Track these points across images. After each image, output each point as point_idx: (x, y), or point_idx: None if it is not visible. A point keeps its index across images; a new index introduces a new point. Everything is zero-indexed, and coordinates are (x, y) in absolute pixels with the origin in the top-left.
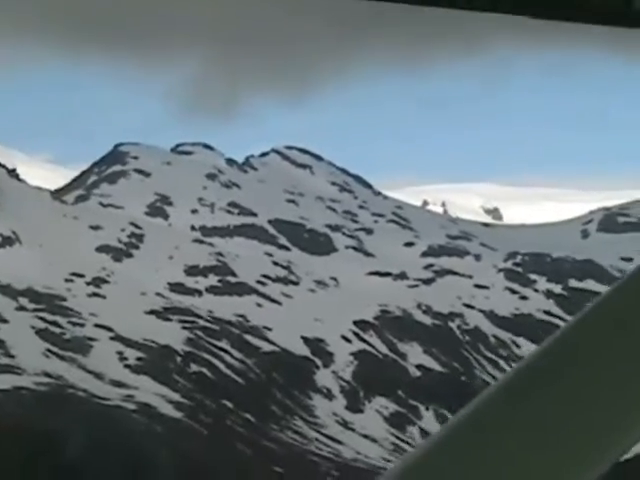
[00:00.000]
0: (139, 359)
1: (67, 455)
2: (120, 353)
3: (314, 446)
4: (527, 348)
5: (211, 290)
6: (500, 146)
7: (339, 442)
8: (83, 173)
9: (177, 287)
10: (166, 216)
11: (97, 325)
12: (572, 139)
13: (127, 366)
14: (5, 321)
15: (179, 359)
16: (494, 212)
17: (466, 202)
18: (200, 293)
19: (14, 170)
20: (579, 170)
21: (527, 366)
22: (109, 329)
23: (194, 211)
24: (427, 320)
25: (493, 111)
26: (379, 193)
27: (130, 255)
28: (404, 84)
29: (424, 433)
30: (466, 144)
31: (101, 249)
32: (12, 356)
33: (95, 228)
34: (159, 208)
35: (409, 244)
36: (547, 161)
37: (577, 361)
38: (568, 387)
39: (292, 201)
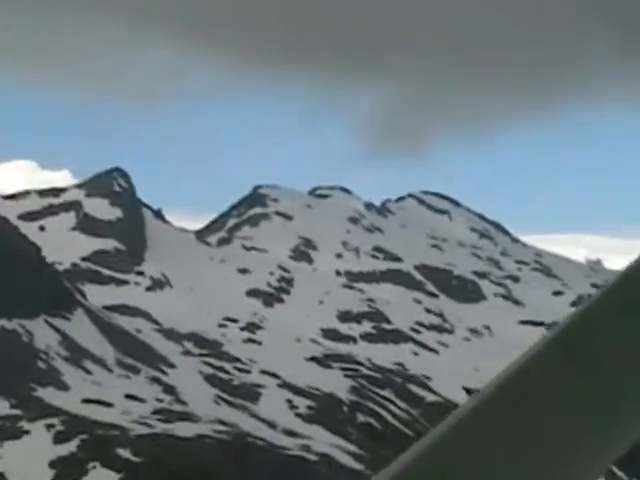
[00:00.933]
0: (309, 408)
1: None
2: (289, 401)
3: None
4: None
5: (366, 337)
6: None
7: None
8: (222, 215)
9: (331, 333)
10: (310, 260)
11: (263, 372)
12: None
13: (298, 415)
14: (173, 366)
15: (346, 408)
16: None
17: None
18: (355, 340)
19: (159, 211)
20: None
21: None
22: (275, 376)
23: (339, 255)
24: None
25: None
26: (517, 240)
27: (281, 300)
28: None
29: None
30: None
31: (251, 293)
32: (185, 403)
33: (243, 272)
34: (303, 252)
35: (558, 293)
36: None
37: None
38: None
39: (436, 246)
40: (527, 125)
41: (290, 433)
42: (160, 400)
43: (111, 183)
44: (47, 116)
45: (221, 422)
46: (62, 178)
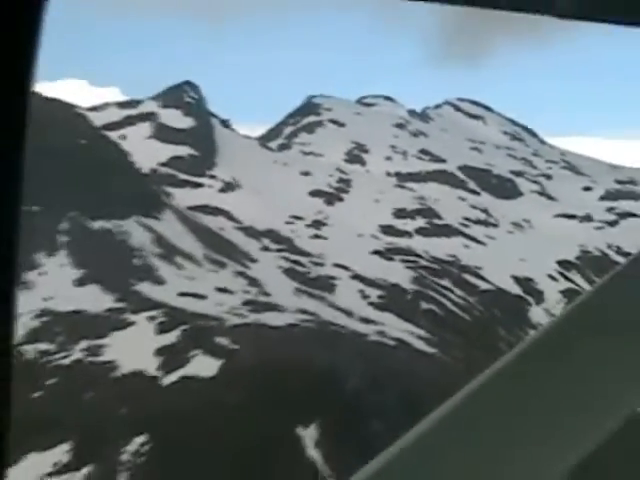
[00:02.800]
0: (379, 297)
1: (349, 381)
2: (361, 291)
3: None
4: None
5: (420, 232)
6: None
7: None
8: (279, 124)
9: (389, 229)
10: (364, 163)
11: (336, 265)
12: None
13: (371, 304)
14: (254, 260)
15: (409, 297)
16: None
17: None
18: (410, 235)
19: (227, 120)
20: None
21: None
22: (346, 268)
23: (388, 158)
24: (622, 260)
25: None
26: (544, 142)
27: (341, 199)
28: None
29: None
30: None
31: (314, 194)
32: (269, 294)
33: (305, 174)
34: (357, 155)
35: (587, 188)
36: None
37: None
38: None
39: (475, 149)
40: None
41: (366, 320)
42: (247, 292)
43: (182, 95)
44: (92, 32)
45: (304, 312)
46: (112, 95)
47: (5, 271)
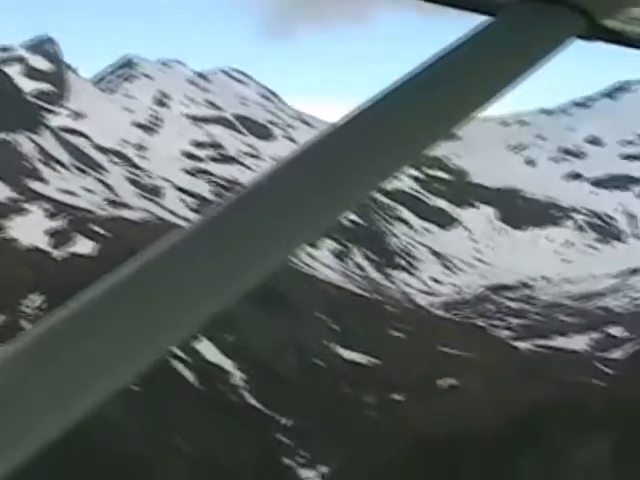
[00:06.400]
0: (193, 203)
1: None
2: (181, 199)
3: None
4: None
5: (213, 159)
6: None
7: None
8: (106, 74)
9: (191, 155)
10: (168, 107)
11: (161, 177)
12: None
13: (188, 207)
14: (107, 170)
15: (211, 203)
16: None
17: None
18: (207, 161)
19: (75, 68)
20: None
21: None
22: (169, 181)
23: (184, 103)
24: None
25: None
26: (284, 102)
27: (156, 131)
28: None
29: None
30: None
31: (135, 125)
32: (120, 196)
33: (127, 110)
34: (161, 100)
35: None
36: None
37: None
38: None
39: (243, 103)
40: None
41: (185, 219)
42: (104, 192)
43: (45, 46)
44: None
45: (146, 210)
46: None
47: None
